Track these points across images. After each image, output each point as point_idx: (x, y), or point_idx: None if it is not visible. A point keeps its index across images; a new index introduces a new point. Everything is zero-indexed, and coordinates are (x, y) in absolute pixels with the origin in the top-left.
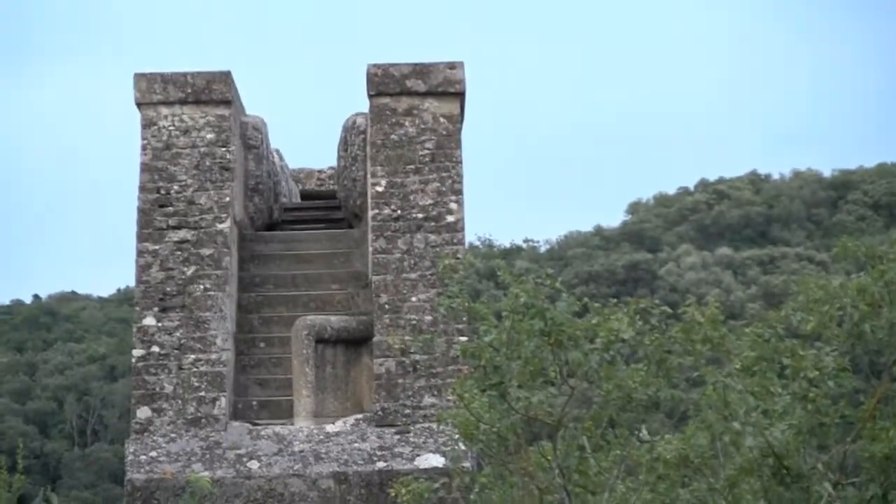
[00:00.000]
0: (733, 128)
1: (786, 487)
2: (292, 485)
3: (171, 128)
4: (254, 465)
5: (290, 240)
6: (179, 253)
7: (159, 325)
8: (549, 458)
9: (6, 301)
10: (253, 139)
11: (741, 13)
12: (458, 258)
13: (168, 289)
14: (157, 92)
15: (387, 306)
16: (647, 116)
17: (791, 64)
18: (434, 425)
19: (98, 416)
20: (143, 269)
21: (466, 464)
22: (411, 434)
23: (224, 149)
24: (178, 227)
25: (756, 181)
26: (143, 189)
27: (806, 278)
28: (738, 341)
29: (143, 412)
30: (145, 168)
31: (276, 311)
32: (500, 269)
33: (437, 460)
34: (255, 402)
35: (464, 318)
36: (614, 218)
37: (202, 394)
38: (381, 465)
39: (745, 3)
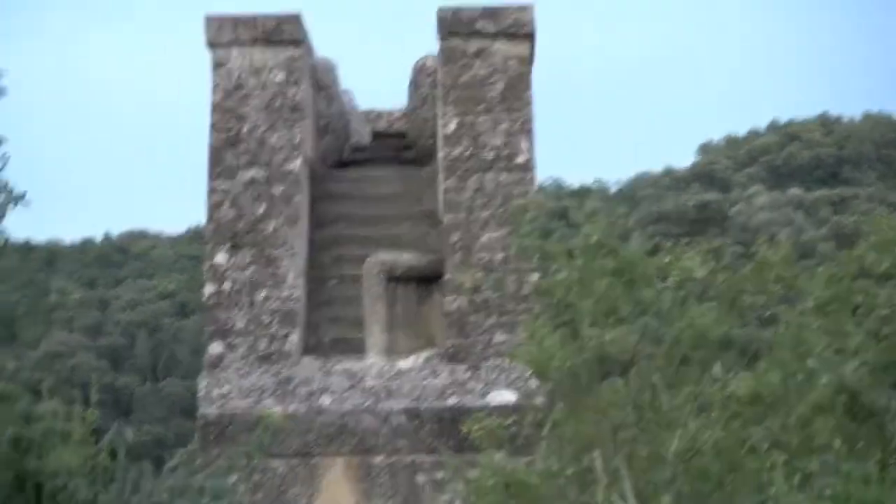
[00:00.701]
0: (803, 68)
1: (860, 424)
2: (364, 420)
3: (242, 68)
4: (326, 400)
5: (362, 179)
6: (251, 191)
7: (231, 261)
8: (622, 395)
9: (78, 239)
10: (323, 80)
11: None
12: (528, 198)
13: (239, 226)
14: (227, 32)
15: (458, 245)
16: (715, 54)
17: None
18: (505, 362)
19: (170, 351)
20: (214, 206)
21: (538, 400)
22: (483, 370)
23: (295, 89)
24: (249, 166)
25: (827, 123)
26: (214, 128)
27: (878, 219)
28: (810, 281)
29: (215, 348)
30: (217, 108)
31: (347, 249)
32: (571, 210)
33: (508, 396)
34: (326, 339)
35: (535, 257)
36: (685, 159)
37: (274, 330)
38: (452, 400)
39: None
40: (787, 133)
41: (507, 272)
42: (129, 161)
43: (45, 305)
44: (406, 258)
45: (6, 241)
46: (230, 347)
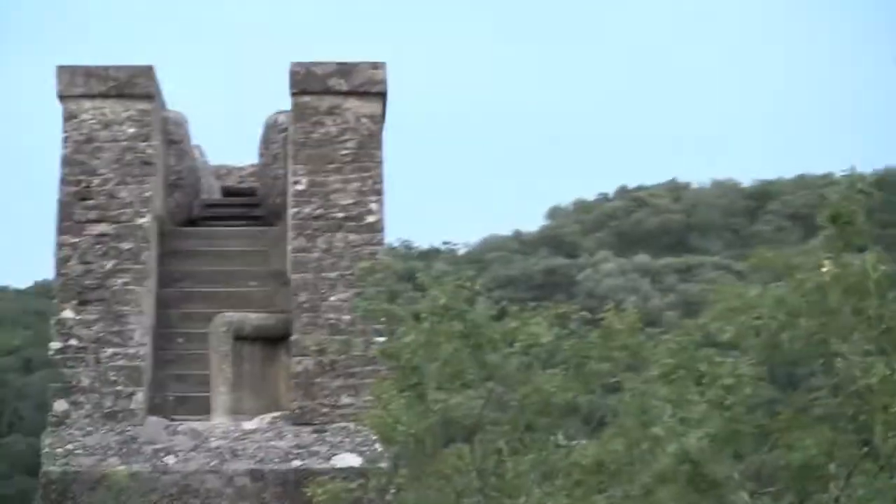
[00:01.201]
0: (653, 135)
1: (701, 495)
2: (208, 481)
3: (93, 121)
4: (170, 459)
5: (211, 236)
6: (99, 246)
7: (78, 318)
8: (466, 460)
9: None
10: (174, 134)
11: (669, 18)
12: (376, 259)
13: (87, 282)
14: (79, 85)
15: (305, 305)
16: (566, 118)
17: (711, 72)
18: (351, 425)
19: (13, 407)
20: (62, 261)
21: (383, 464)
22: (328, 433)
23: (145, 143)
24: (98, 221)
25: (675, 189)
26: (63, 182)
27: (723, 287)
28: (655, 348)
29: (60, 405)
30: (66, 161)
31: (195, 307)
32: (419, 272)
33: (353, 460)
34: (172, 398)
35: (381, 320)
36: (533, 223)
37: (120, 388)
38: (297, 463)
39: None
40: (635, 198)
41: (355, 334)
42: None
43: None
44: (253, 318)
45: None
46: (75, 405)
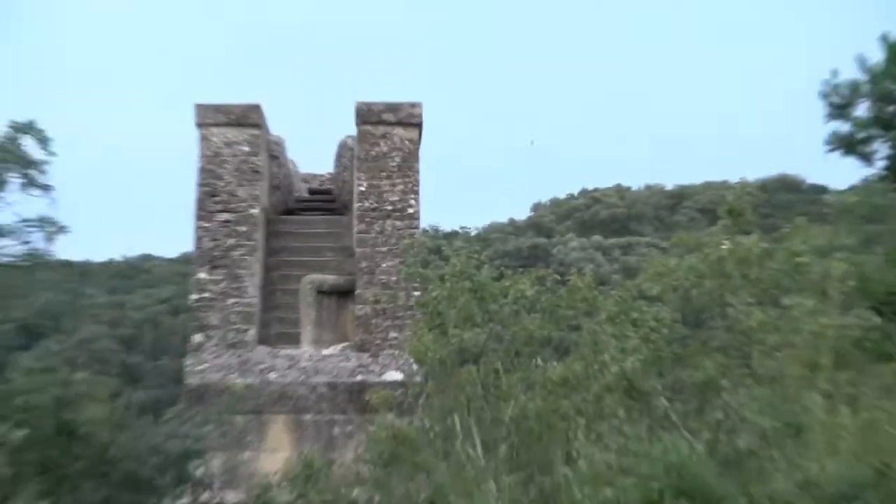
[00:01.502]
0: (604, 152)
1: (634, 401)
2: (299, 390)
3: (219, 142)
4: (273, 375)
5: (300, 222)
6: (223, 229)
7: (209, 278)
8: (474, 377)
9: (104, 259)
10: (275, 151)
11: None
12: (414, 238)
13: (215, 253)
14: (210, 117)
15: (365, 269)
16: (547, 140)
17: (644, 106)
18: (396, 352)
19: (166, 339)
20: (198, 239)
21: (417, 379)
22: (380, 357)
23: (255, 158)
24: (222, 211)
25: (620, 191)
26: (199, 184)
27: (652, 259)
28: (604, 301)
29: (197, 338)
30: (202, 170)
31: (289, 271)
32: (443, 247)
33: (397, 375)
34: (274, 333)
35: (417, 280)
36: (522, 213)
37: (237, 326)
38: (359, 377)
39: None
40: (592, 197)
41: (399, 289)
42: (139, 202)
43: (79, 306)
44: (329, 278)
45: (52, 259)
46: (207, 338)
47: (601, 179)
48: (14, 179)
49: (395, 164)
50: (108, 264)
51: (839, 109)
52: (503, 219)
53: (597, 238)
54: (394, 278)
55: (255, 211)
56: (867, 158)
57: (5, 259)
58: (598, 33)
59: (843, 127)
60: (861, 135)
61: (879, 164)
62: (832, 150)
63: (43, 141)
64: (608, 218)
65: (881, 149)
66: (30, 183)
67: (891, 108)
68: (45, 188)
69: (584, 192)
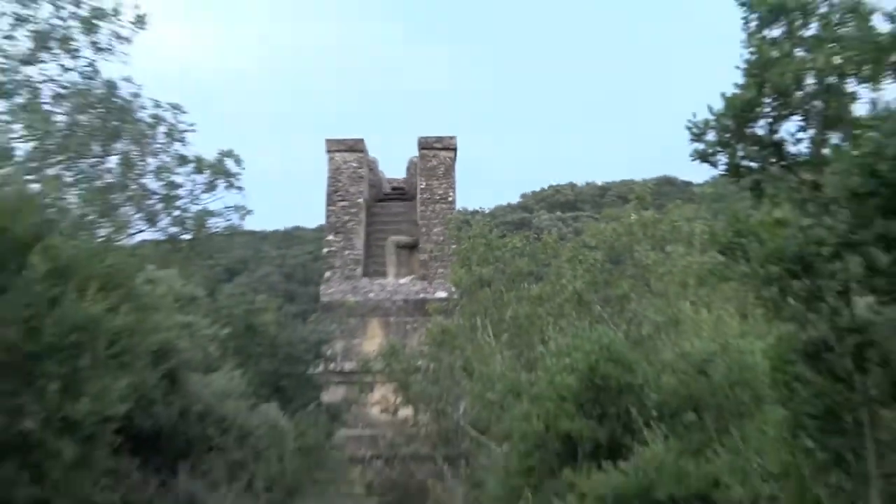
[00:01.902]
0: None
1: (581, 307)
2: (386, 303)
3: (340, 161)
4: (371, 294)
5: (386, 206)
6: (343, 211)
7: (336, 238)
8: (487, 296)
9: (273, 227)
10: (371, 165)
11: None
12: (452, 215)
13: (338, 225)
14: (336, 146)
15: (424, 233)
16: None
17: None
18: (443, 280)
19: (314, 274)
20: (328, 216)
21: (455, 296)
22: (433, 284)
23: (360, 170)
24: (342, 201)
25: (572, 185)
26: (329, 185)
27: (591, 225)
28: (563, 249)
29: (327, 274)
30: (330, 177)
31: (381, 235)
32: (469, 220)
33: (443, 294)
34: (372, 270)
35: (455, 238)
36: (515, 198)
37: (351, 266)
38: (422, 295)
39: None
40: (555, 189)
41: (445, 245)
42: (295, 193)
43: (258, 256)
44: (404, 238)
45: (242, 229)
46: (333, 273)
47: (561, 176)
48: (221, 183)
49: (440, 171)
50: (276, 231)
51: (696, 136)
52: (503, 202)
53: (558, 213)
54: (441, 238)
55: (360, 200)
56: (714, 165)
57: (217, 230)
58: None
59: (700, 146)
60: (710, 150)
61: (721, 168)
62: (694, 160)
63: (237, 161)
64: (565, 201)
65: (722, 158)
66: (230, 185)
67: (727, 135)
68: (239, 188)
69: (550, 186)
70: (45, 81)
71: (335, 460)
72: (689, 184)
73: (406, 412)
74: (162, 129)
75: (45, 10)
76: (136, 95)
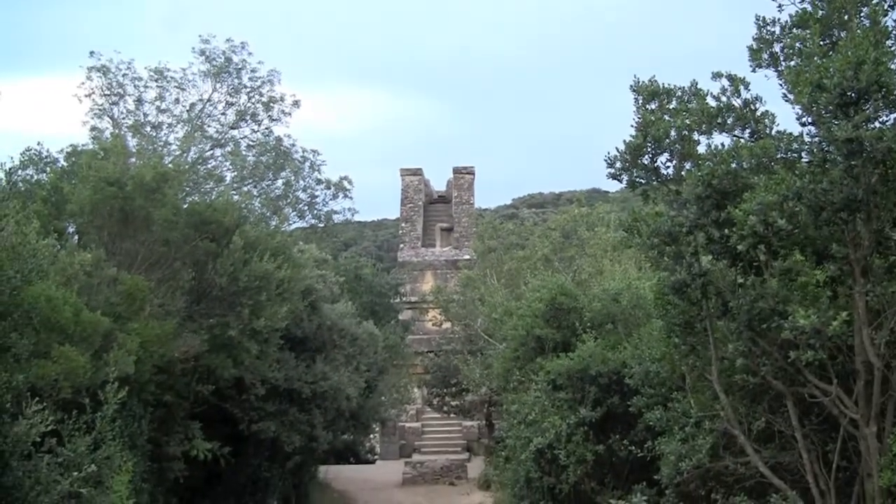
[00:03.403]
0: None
1: (548, 263)
2: (435, 263)
3: (409, 181)
4: (426, 257)
5: (435, 207)
6: (410, 209)
7: (405, 226)
8: (497, 255)
9: (371, 219)
10: (426, 182)
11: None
12: (473, 210)
13: (406, 217)
14: (406, 172)
15: (457, 221)
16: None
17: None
18: (470, 249)
19: (397, 247)
20: (401, 213)
21: (476, 258)
22: (463, 249)
23: (419, 185)
24: (409, 203)
25: (540, 194)
26: (402, 196)
27: (554, 218)
28: (536, 229)
29: (402, 246)
30: (403, 191)
31: (432, 224)
32: (483, 214)
33: (469, 255)
34: (426, 244)
35: (475, 225)
36: (508, 199)
37: (414, 241)
38: (455, 258)
39: None
40: (529, 195)
41: (469, 230)
42: (378, 203)
43: (354, 237)
44: (444, 224)
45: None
46: (403, 245)
47: (536, 186)
48: (340, 194)
49: (465, 186)
50: (372, 221)
51: (610, 164)
52: (501, 202)
53: (534, 209)
54: (467, 225)
55: (420, 203)
56: (620, 181)
57: (338, 221)
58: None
59: (611, 170)
60: (617, 172)
61: (625, 182)
62: (609, 178)
63: (349, 181)
64: (538, 202)
65: (625, 177)
66: (345, 195)
67: (626, 164)
68: (350, 197)
69: (528, 194)
70: (242, 138)
71: (406, 353)
72: (608, 192)
73: (447, 325)
74: (307, 164)
75: (244, 97)
76: (293, 144)
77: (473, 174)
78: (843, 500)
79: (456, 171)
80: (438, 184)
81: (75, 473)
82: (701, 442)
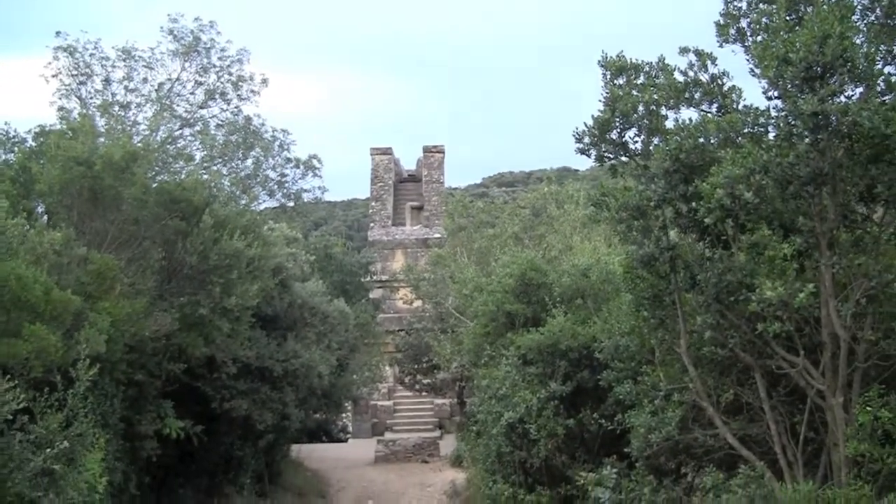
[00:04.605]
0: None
1: (520, 239)
2: (406, 241)
3: (378, 160)
4: (397, 236)
5: (404, 185)
6: (379, 188)
7: (374, 205)
8: (468, 231)
9: (340, 199)
10: (396, 162)
11: None
12: (443, 189)
13: (376, 197)
14: (376, 151)
15: (426, 199)
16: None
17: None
18: (441, 227)
19: (360, 227)
20: (371, 193)
21: (445, 236)
22: (433, 228)
23: (389, 165)
24: (378, 182)
25: (510, 173)
26: (371, 175)
27: (523, 196)
28: (507, 206)
29: (372, 225)
30: (372, 171)
31: (402, 203)
32: (452, 192)
33: (440, 233)
34: (396, 223)
35: (445, 204)
36: (478, 178)
37: (384, 220)
38: (426, 236)
39: None
40: (499, 174)
41: (439, 209)
42: (352, 185)
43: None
44: (415, 203)
45: (319, 200)
46: (373, 224)
47: (506, 165)
48: (309, 173)
49: (436, 164)
50: (342, 201)
51: (578, 139)
52: (471, 181)
53: (504, 188)
54: (437, 201)
55: (390, 182)
56: (589, 156)
57: (307, 200)
58: None
59: (580, 145)
60: (586, 148)
61: (593, 158)
62: (577, 153)
63: (318, 160)
64: (507, 181)
65: (593, 152)
66: (314, 174)
67: (595, 139)
68: (319, 176)
69: (498, 172)
70: (211, 117)
71: (377, 332)
72: (577, 170)
73: (418, 303)
74: (276, 143)
75: (213, 76)
76: (262, 124)
77: (443, 153)
78: (811, 471)
79: (426, 149)
80: (408, 163)
81: (48, 451)
82: (670, 415)
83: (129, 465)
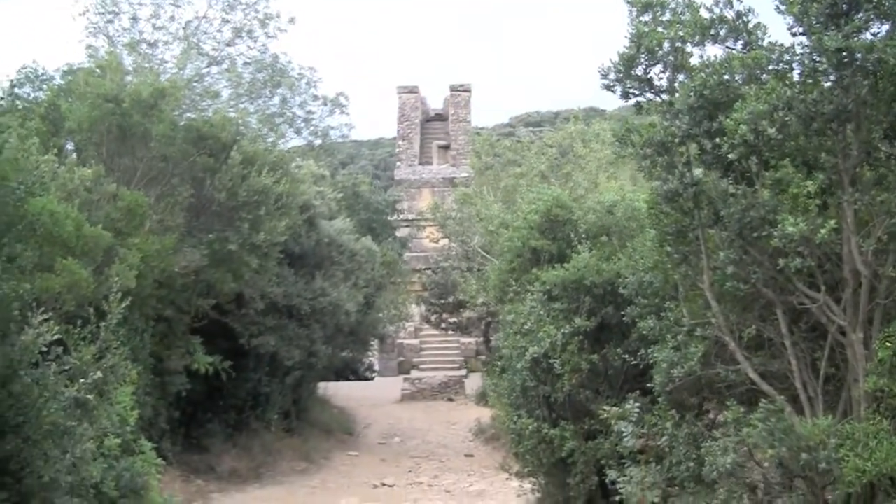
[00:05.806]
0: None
1: (545, 178)
2: (432, 180)
3: (406, 99)
4: (424, 175)
5: (430, 125)
6: (406, 126)
7: (402, 143)
8: (491, 174)
9: (369, 138)
10: (423, 101)
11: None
12: (470, 129)
13: (402, 135)
14: (402, 90)
15: (453, 138)
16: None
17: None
18: (467, 164)
19: (387, 164)
20: (399, 131)
21: (472, 175)
22: (460, 167)
23: (416, 103)
24: (406, 121)
25: (537, 112)
26: (399, 113)
27: (548, 134)
28: (533, 146)
29: (398, 164)
30: (399, 108)
31: (429, 141)
32: (479, 132)
33: (467, 172)
34: (423, 161)
35: (472, 143)
36: (507, 118)
37: (412, 159)
38: (455, 174)
39: None
40: (526, 113)
41: (466, 148)
42: (379, 121)
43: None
44: (441, 142)
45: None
46: (400, 163)
47: (534, 104)
48: (337, 110)
49: (462, 104)
50: (369, 140)
51: (604, 76)
52: (499, 121)
53: (531, 128)
54: (464, 145)
55: (416, 121)
56: (614, 92)
57: (335, 138)
58: None
59: (605, 82)
60: (611, 84)
61: (619, 95)
62: (603, 90)
63: (346, 98)
64: (535, 121)
65: (619, 88)
66: (342, 112)
67: (620, 75)
68: (347, 114)
69: (525, 112)
70: (238, 55)
71: (404, 270)
72: (605, 110)
73: (444, 242)
74: (303, 80)
75: (240, 14)
76: (289, 62)
77: (470, 91)
78: (831, 406)
79: (453, 88)
80: (435, 102)
81: (81, 381)
82: (693, 350)
83: (158, 400)
